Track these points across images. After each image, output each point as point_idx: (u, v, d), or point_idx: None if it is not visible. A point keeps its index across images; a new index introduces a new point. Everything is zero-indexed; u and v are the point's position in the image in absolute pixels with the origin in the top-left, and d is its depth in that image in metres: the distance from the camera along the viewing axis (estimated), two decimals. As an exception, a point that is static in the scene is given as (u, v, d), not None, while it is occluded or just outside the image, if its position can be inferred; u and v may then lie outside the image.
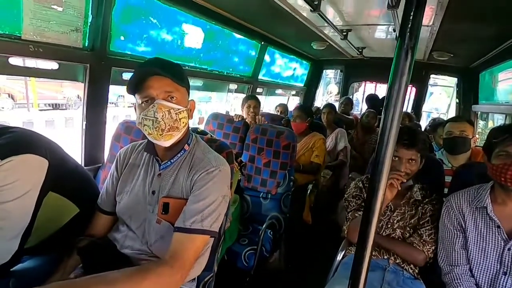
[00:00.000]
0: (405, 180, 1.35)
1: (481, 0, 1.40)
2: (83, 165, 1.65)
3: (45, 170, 0.97)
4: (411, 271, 1.41)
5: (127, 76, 1.78)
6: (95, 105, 1.61)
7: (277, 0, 1.86)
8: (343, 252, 1.55)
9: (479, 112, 3.77)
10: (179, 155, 1.09)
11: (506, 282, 1.17)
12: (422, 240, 1.38)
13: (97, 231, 1.15)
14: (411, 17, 0.75)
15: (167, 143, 1.03)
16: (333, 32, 2.56)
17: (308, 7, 1.82)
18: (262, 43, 3.08)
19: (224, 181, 1.07)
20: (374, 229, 0.86)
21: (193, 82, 2.53)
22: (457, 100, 4.13)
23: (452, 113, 4.78)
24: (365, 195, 1.52)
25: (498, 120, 3.63)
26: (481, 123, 3.95)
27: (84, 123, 1.60)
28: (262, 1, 1.86)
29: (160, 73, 0.97)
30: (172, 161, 1.09)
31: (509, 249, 1.17)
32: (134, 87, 0.98)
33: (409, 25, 0.75)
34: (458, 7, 1.63)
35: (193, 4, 1.92)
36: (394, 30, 2.39)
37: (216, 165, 1.05)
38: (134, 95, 1.02)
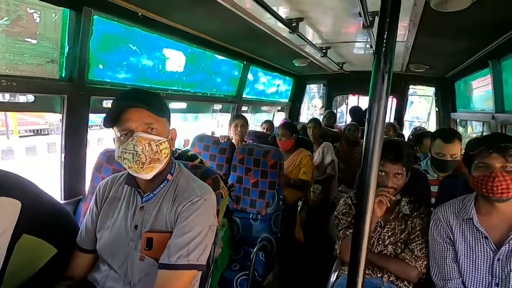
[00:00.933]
0: (393, 197, 1.35)
1: (450, 18, 1.47)
2: (62, 198, 1.58)
3: (17, 212, 0.92)
4: (405, 288, 1.39)
5: (107, 104, 1.75)
6: (75, 136, 1.56)
7: (257, 23, 1.89)
8: (337, 273, 1.52)
9: (458, 119, 3.90)
10: (162, 185, 1.06)
11: (499, 294, 1.17)
12: (414, 256, 1.38)
13: (77, 272, 1.08)
14: (384, 43, 0.77)
15: (148, 175, 0.99)
16: (313, 50, 2.62)
17: (287, 28, 1.87)
18: (245, 62, 3.12)
19: (210, 211, 1.04)
20: (365, 252, 0.84)
21: (177, 105, 2.51)
22: (437, 109, 4.28)
23: (432, 121, 4.94)
24: (354, 212, 1.51)
25: (476, 126, 3.76)
26: (460, 129, 4.07)
27: (63, 154, 1.54)
28: (243, 24, 1.89)
29: (138, 105, 0.95)
30: (154, 192, 1.05)
31: (498, 260, 1.18)
32: (112, 121, 0.96)
33: (383, 50, 0.78)
34: (429, 24, 1.71)
35: (174, 30, 1.93)
36: (371, 46, 2.47)
37: (200, 195, 1.02)
38: (112, 128, 0.99)
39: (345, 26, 2.02)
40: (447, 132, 2.02)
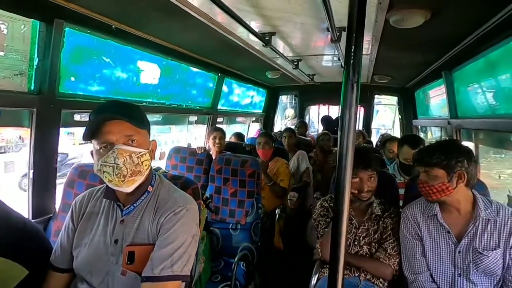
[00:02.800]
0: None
1: (407, 34, 1.63)
2: (30, 217, 1.49)
3: None
4: (381, 285, 1.47)
5: (78, 117, 1.70)
6: (44, 151, 1.49)
7: (231, 37, 1.95)
8: (317, 275, 1.56)
9: (419, 126, 4.21)
10: (142, 198, 1.05)
11: (462, 283, 1.28)
12: (387, 254, 1.46)
13: (52, 293, 1.03)
14: (352, 56, 0.85)
15: (129, 188, 0.98)
16: (285, 62, 2.74)
17: (260, 42, 1.95)
18: (219, 74, 3.17)
19: (193, 220, 1.04)
20: (343, 249, 0.90)
21: (152, 117, 2.48)
22: (400, 117, 4.59)
23: (397, 128, 5.28)
24: (332, 214, 1.58)
25: (435, 131, 4.07)
26: (422, 135, 4.38)
27: (32, 171, 1.46)
28: (217, 37, 1.94)
29: (118, 117, 0.94)
30: (135, 205, 1.04)
31: (459, 252, 1.30)
32: (91, 133, 0.94)
33: (351, 63, 0.85)
34: (389, 39, 1.87)
35: (148, 42, 1.94)
36: (339, 59, 2.63)
37: (182, 205, 1.02)
38: (91, 141, 0.97)
39: (314, 40, 2.15)
40: (413, 139, 2.23)
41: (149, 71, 2.13)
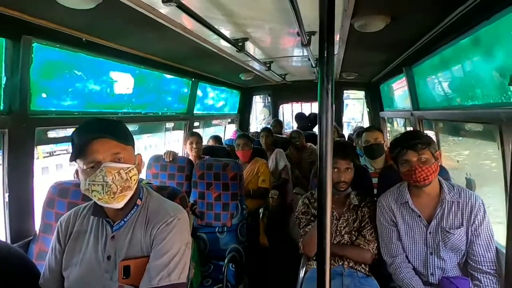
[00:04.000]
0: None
1: (370, 36, 1.76)
2: (8, 242, 1.42)
3: None
4: (363, 270, 1.59)
5: (52, 134, 1.65)
6: (20, 172, 1.43)
7: (205, 44, 1.98)
8: (304, 269, 1.65)
9: (386, 117, 4.48)
10: (132, 212, 1.05)
11: (434, 260, 1.44)
12: (366, 240, 1.59)
13: (44, 316, 1.01)
14: (325, 65, 0.93)
15: (120, 204, 0.98)
16: (258, 64, 2.81)
17: (234, 48, 1.99)
18: (193, 79, 3.17)
19: (184, 229, 1.07)
20: (329, 241, 0.97)
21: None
22: (368, 109, 4.85)
23: (366, 120, 5.55)
24: (312, 210, 1.68)
25: (401, 122, 4.36)
26: (388, 125, 4.67)
27: (7, 194, 1.40)
28: (190, 45, 1.95)
29: (104, 136, 0.94)
30: (125, 220, 1.04)
31: (430, 233, 1.45)
32: (76, 153, 0.94)
33: (325, 70, 0.93)
34: (354, 41, 2.00)
35: (120, 53, 1.90)
36: (309, 59, 2.75)
37: (174, 215, 1.05)
38: (75, 161, 0.96)
39: (285, 43, 2.24)
40: (369, 126, 2.67)
41: (123, 81, 2.11)
